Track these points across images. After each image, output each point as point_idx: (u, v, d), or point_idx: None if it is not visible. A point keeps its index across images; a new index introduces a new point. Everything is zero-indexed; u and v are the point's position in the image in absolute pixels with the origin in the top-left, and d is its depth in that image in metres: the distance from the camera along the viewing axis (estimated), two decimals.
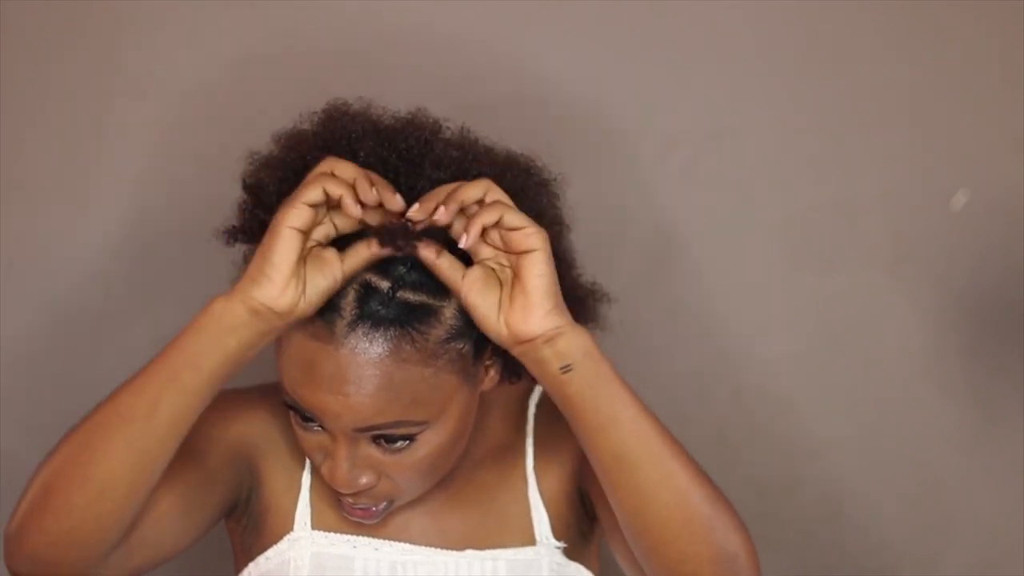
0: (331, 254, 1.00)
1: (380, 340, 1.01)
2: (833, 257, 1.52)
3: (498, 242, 1.01)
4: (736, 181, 1.51)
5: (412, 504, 1.15)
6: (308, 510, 1.16)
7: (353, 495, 1.09)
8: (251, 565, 1.17)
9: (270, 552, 1.16)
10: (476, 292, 1.01)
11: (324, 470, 1.08)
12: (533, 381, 1.18)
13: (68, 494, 1.01)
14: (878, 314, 1.53)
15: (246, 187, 1.09)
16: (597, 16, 1.47)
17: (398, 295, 1.01)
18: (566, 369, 1.01)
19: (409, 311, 1.01)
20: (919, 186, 1.50)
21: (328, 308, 1.01)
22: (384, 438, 1.05)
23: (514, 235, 1.00)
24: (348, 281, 1.01)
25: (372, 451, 1.06)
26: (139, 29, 1.47)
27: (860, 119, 1.49)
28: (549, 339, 1.00)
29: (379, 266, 1.01)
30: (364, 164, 1.03)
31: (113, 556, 1.04)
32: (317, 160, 1.03)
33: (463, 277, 1.01)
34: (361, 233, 1.02)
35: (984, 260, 1.50)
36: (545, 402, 1.21)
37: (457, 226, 1.01)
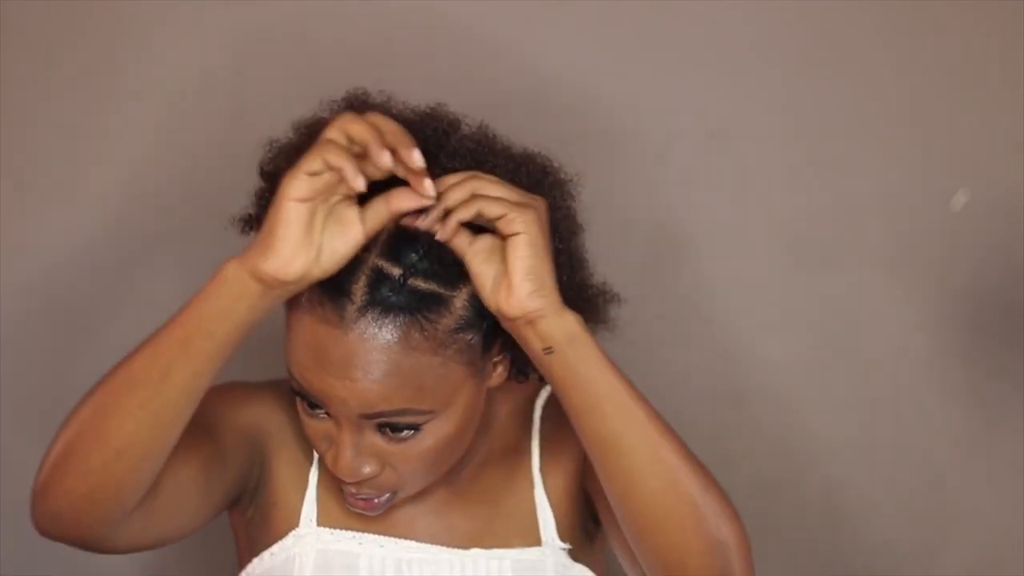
0: (353, 214, 0.99)
1: (390, 326, 1.01)
2: (833, 257, 1.52)
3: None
4: (736, 181, 1.51)
5: (418, 502, 1.16)
6: (314, 506, 1.16)
7: (356, 484, 1.09)
8: (255, 560, 1.17)
9: (275, 548, 1.16)
10: (480, 261, 1.01)
11: (328, 458, 1.08)
12: (541, 382, 1.19)
13: (87, 456, 1.01)
14: (878, 314, 1.53)
15: (263, 174, 1.09)
16: (597, 16, 1.47)
17: (409, 282, 1.01)
18: (548, 351, 1.01)
19: (420, 299, 1.01)
20: (919, 186, 1.50)
21: (338, 293, 1.01)
22: (389, 427, 1.05)
23: (498, 223, 1.00)
24: (358, 261, 1.01)
25: (377, 440, 1.06)
26: (139, 29, 1.47)
27: (860, 119, 1.49)
28: (530, 321, 1.01)
29: (391, 252, 1.01)
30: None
31: (135, 518, 1.04)
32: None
33: (470, 244, 1.01)
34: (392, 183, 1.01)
35: (984, 260, 1.50)
36: (551, 403, 1.21)
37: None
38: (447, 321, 1.02)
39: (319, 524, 1.16)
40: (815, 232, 1.51)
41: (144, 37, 1.47)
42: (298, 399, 1.08)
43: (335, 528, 1.15)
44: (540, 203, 1.02)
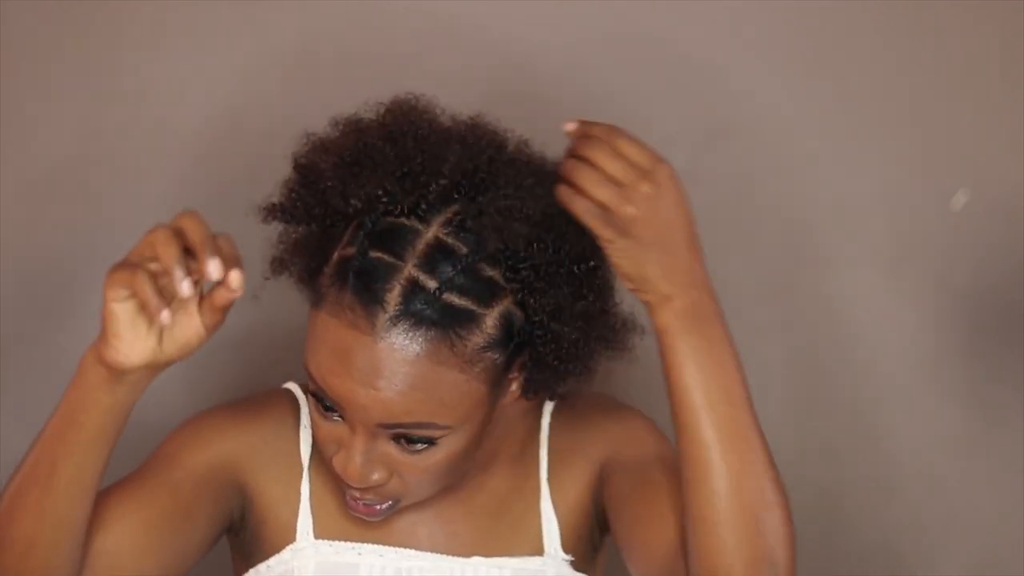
0: (193, 307, 0.98)
1: (420, 339, 1.00)
2: (833, 257, 1.52)
3: None
4: (736, 181, 1.50)
5: (420, 508, 1.15)
6: (310, 520, 1.15)
7: (361, 490, 1.08)
8: (251, 572, 1.16)
9: (271, 561, 1.15)
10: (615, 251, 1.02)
11: (336, 461, 1.07)
12: (558, 398, 1.19)
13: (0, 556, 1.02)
14: (878, 314, 1.53)
15: (297, 166, 1.08)
16: (597, 16, 1.47)
17: (444, 296, 1.00)
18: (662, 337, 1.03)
19: (453, 314, 1.01)
20: (919, 186, 1.50)
21: (372, 300, 1.00)
22: (405, 438, 1.04)
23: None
24: (395, 270, 1.01)
25: (390, 449, 1.05)
26: (139, 29, 1.47)
27: (860, 119, 1.49)
28: (646, 305, 1.02)
29: (428, 264, 1.01)
30: (422, 164, 1.03)
31: None
32: (374, 148, 1.04)
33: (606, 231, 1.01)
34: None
35: (984, 260, 1.50)
36: (561, 413, 1.20)
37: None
38: (477, 339, 1.02)
39: (316, 537, 1.15)
40: (815, 232, 1.51)
41: (144, 37, 1.47)
42: (311, 398, 1.07)
43: (333, 539, 1.14)
44: (662, 180, 1.01)
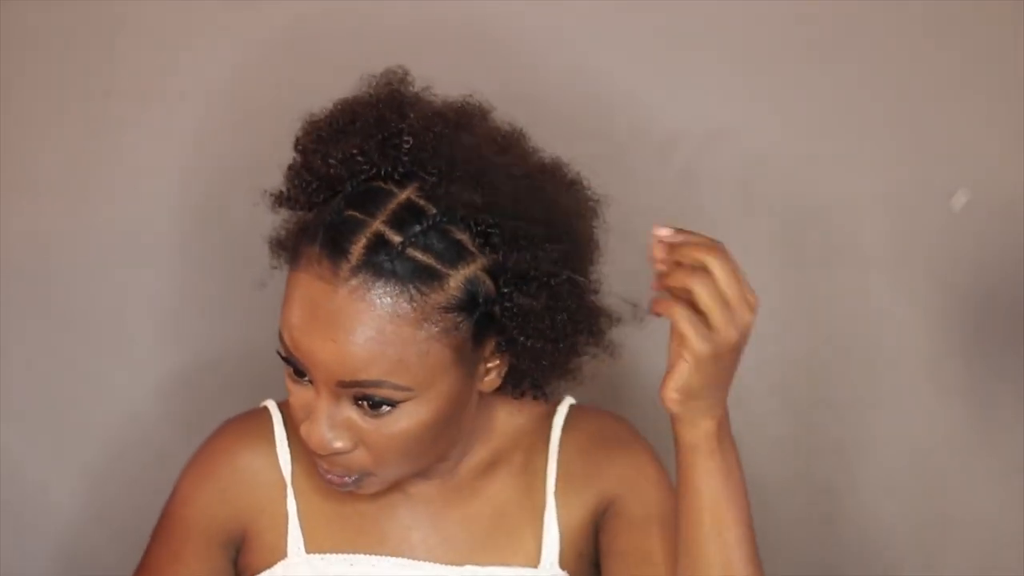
0: None
1: (379, 291, 1.01)
2: (833, 257, 1.52)
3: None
4: (736, 181, 1.50)
5: (414, 512, 1.15)
6: (300, 535, 1.15)
7: (327, 459, 1.08)
8: None
9: (264, 575, 1.15)
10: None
11: (303, 429, 1.07)
12: (545, 398, 1.19)
13: None
14: (878, 314, 1.53)
15: (298, 149, 1.10)
16: (596, 16, 1.47)
17: (407, 251, 1.01)
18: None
19: (414, 269, 1.02)
20: (919, 186, 1.50)
21: (336, 250, 1.01)
22: (367, 400, 1.04)
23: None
24: (363, 225, 1.02)
25: (352, 413, 1.05)
26: (139, 29, 1.47)
27: (860, 119, 1.49)
28: (678, 418, 1.04)
29: (396, 220, 1.02)
30: (408, 129, 1.05)
31: None
32: (358, 115, 1.07)
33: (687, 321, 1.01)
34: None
35: (984, 260, 1.50)
36: (572, 430, 1.20)
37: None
38: (438, 297, 1.02)
39: (308, 551, 1.15)
40: (815, 231, 1.51)
41: (144, 37, 1.47)
42: (285, 366, 1.07)
43: (325, 553, 1.15)
44: (746, 319, 1.01)
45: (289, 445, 1.17)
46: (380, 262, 1.01)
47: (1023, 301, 1.49)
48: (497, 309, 1.05)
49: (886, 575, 1.56)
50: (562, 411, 1.21)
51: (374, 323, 1.01)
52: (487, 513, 1.17)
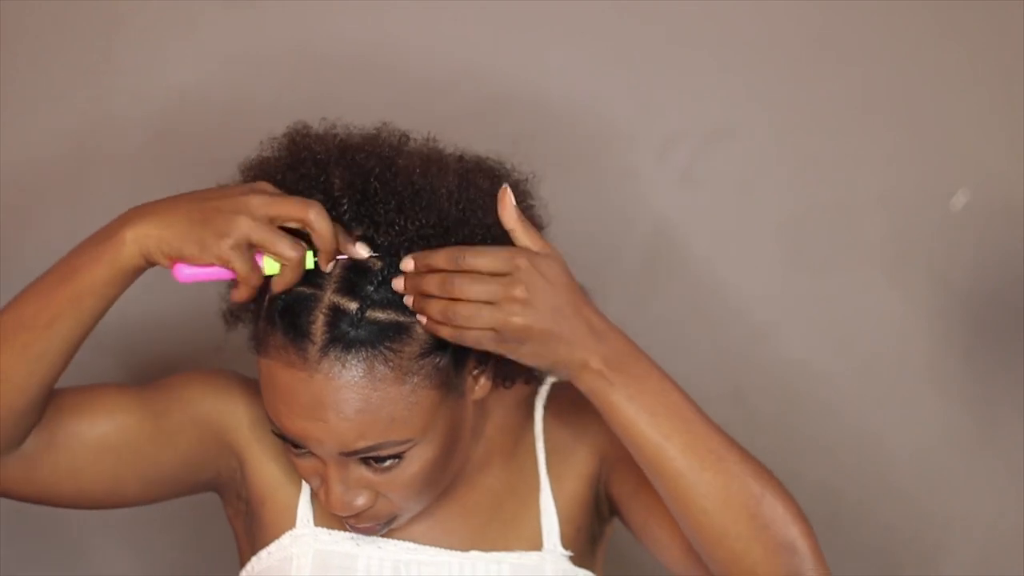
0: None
1: (353, 363, 1.00)
2: (833, 257, 1.52)
3: None
4: (736, 181, 1.50)
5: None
6: (310, 506, 1.16)
7: (353, 517, 1.08)
8: (253, 559, 1.16)
9: (272, 547, 1.15)
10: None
11: (321, 495, 1.08)
12: (537, 382, 1.19)
13: None
14: (878, 314, 1.53)
15: None
16: (596, 16, 1.47)
17: (368, 314, 1.01)
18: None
19: (380, 331, 1.01)
20: (919, 186, 1.50)
21: (298, 334, 1.01)
22: (373, 459, 1.05)
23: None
24: (314, 300, 1.01)
25: (363, 472, 1.06)
26: (138, 29, 1.47)
27: (860, 119, 1.49)
28: (572, 378, 1.03)
29: (345, 287, 1.01)
30: (334, 185, 1.03)
31: (14, 459, 1.07)
32: (273, 182, 1.04)
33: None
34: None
35: (984, 260, 1.50)
36: (556, 402, 1.20)
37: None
38: (411, 348, 1.02)
39: (316, 524, 1.15)
40: (815, 232, 1.51)
41: (144, 37, 1.47)
42: (281, 440, 1.07)
43: (333, 528, 1.15)
44: (527, 273, 0.99)
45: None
46: (344, 333, 1.00)
47: (1023, 301, 1.49)
48: None
49: (886, 575, 1.56)
50: (543, 391, 1.21)
51: (358, 395, 1.01)
52: (484, 504, 1.17)
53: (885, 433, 1.55)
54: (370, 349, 1.00)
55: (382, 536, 1.15)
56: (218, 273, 1.01)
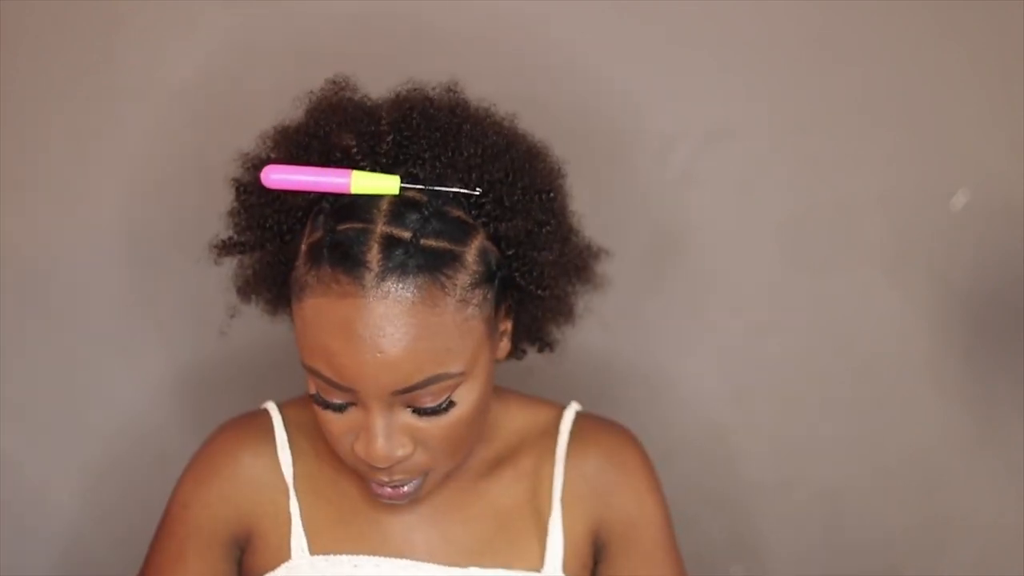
0: None
1: (412, 287, 1.00)
2: (833, 257, 1.52)
3: None
4: (736, 181, 1.51)
5: (419, 514, 1.15)
6: (303, 537, 1.15)
7: (388, 470, 1.07)
8: None
9: None
10: None
11: (358, 448, 1.06)
12: (561, 407, 1.20)
13: None
14: (878, 314, 1.53)
15: (237, 187, 1.11)
16: (596, 16, 1.47)
17: (422, 242, 1.01)
18: None
19: (435, 256, 1.01)
20: (919, 186, 1.50)
21: (354, 264, 1.00)
22: (421, 410, 1.04)
23: None
24: (367, 233, 1.01)
25: (408, 417, 1.05)
26: (138, 29, 1.47)
27: (860, 119, 1.49)
28: None
29: (396, 218, 1.02)
30: (380, 120, 1.05)
31: None
32: (311, 135, 1.05)
33: None
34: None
35: (984, 260, 1.50)
36: (585, 440, 1.20)
37: None
38: (463, 276, 1.03)
39: (312, 553, 1.14)
40: (815, 232, 1.51)
41: (144, 37, 1.47)
42: (316, 405, 1.06)
43: (329, 554, 1.14)
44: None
45: (290, 447, 1.17)
46: (402, 261, 1.00)
47: (1023, 301, 1.49)
48: (512, 271, 1.07)
49: (886, 575, 1.56)
50: (568, 417, 1.21)
51: (416, 320, 1.00)
52: (489, 515, 1.17)
53: (885, 433, 1.55)
54: (427, 275, 1.01)
55: (381, 555, 1.14)
56: (309, 183, 1.01)
